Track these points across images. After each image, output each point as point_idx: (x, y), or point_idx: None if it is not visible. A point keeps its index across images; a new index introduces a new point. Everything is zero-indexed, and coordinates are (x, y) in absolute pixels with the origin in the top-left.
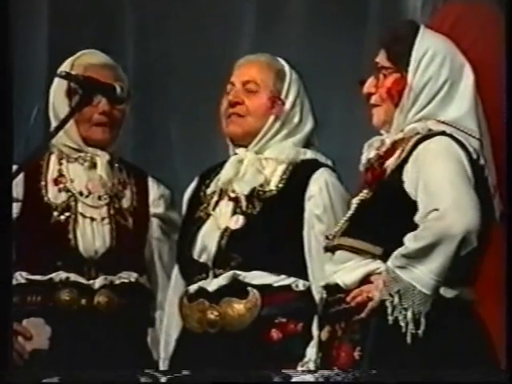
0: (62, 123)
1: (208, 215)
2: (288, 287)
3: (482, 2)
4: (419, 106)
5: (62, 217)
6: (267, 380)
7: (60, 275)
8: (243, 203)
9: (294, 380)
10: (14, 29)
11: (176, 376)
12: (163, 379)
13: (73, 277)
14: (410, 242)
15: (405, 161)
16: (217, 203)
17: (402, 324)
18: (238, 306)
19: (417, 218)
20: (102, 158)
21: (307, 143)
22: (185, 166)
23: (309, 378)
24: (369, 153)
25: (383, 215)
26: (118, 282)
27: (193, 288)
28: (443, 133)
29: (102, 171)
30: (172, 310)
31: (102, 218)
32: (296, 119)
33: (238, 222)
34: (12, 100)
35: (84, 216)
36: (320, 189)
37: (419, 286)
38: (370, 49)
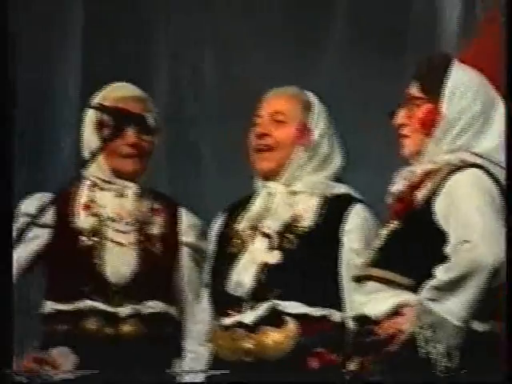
0: (95, 154)
1: (240, 251)
2: (325, 317)
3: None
4: (452, 136)
5: (90, 241)
6: None
7: (86, 304)
8: (276, 239)
9: None
10: (49, 57)
11: None
12: None
13: (99, 305)
14: (442, 274)
15: (436, 192)
16: (251, 239)
17: (434, 357)
18: (275, 335)
19: (448, 250)
20: (131, 190)
21: (337, 177)
22: (216, 198)
23: None
24: (400, 183)
25: (413, 246)
26: (145, 311)
27: (227, 321)
28: (475, 165)
29: (131, 201)
30: (197, 341)
31: (130, 244)
32: (325, 151)
33: (275, 257)
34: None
35: (112, 241)
36: (359, 224)
37: (451, 318)
38: (405, 81)
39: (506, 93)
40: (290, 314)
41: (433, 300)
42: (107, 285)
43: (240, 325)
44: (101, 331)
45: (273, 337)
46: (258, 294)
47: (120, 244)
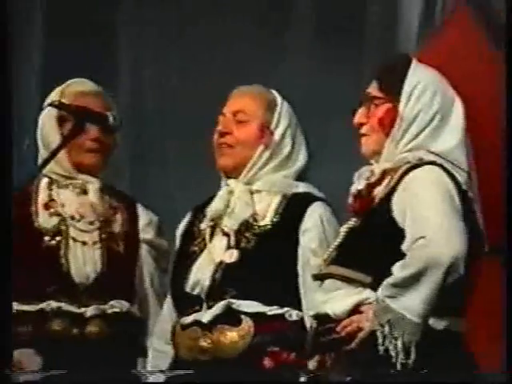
0: (55, 151)
1: (202, 249)
2: (281, 316)
3: (474, 32)
4: (410, 136)
5: (53, 241)
6: None
7: (51, 305)
8: (233, 238)
9: None
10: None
11: None
12: None
13: (64, 306)
14: (398, 270)
15: (394, 189)
16: (211, 237)
17: (393, 354)
18: (231, 334)
19: (404, 247)
20: (93, 185)
21: (300, 176)
22: (181, 197)
23: None
24: (359, 182)
25: (372, 244)
26: (110, 311)
27: (186, 320)
28: (433, 162)
29: (94, 197)
30: (161, 340)
31: (94, 243)
32: (286, 150)
33: (232, 255)
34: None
35: (75, 240)
36: (315, 223)
37: (409, 314)
38: (365, 80)
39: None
40: (245, 313)
41: (390, 297)
42: (72, 285)
43: (197, 323)
44: (66, 332)
45: (229, 335)
46: (215, 292)
47: (84, 243)
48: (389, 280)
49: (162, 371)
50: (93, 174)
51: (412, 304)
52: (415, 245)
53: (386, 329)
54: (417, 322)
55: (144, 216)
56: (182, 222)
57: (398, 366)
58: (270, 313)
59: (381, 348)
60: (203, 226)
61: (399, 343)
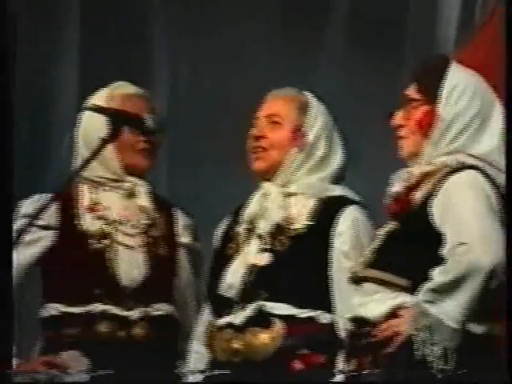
0: (94, 154)
1: (237, 252)
2: (313, 319)
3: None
4: (449, 138)
5: (100, 245)
6: None
7: (97, 307)
8: (266, 240)
9: None
10: (47, 57)
11: None
12: None
13: (110, 309)
14: (438, 276)
15: (433, 194)
16: (246, 240)
17: (431, 359)
18: (263, 336)
19: (444, 252)
20: (142, 188)
21: (336, 179)
22: (218, 200)
23: None
24: (397, 185)
25: (410, 247)
26: (154, 314)
27: (220, 322)
28: (472, 167)
29: (143, 201)
30: (199, 341)
31: (139, 246)
32: (321, 152)
33: (264, 258)
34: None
35: (122, 244)
36: (348, 226)
37: (448, 320)
38: (403, 82)
39: (505, 94)
40: (277, 316)
41: (430, 302)
42: (118, 288)
43: (230, 325)
44: (112, 334)
45: (260, 337)
46: (247, 295)
47: (129, 247)
48: (428, 285)
49: (201, 371)
50: (141, 177)
51: (451, 310)
52: (456, 251)
53: (424, 334)
54: (456, 327)
55: (181, 220)
56: (221, 225)
57: (436, 371)
58: (301, 315)
59: (418, 353)
60: (239, 228)
61: (437, 349)
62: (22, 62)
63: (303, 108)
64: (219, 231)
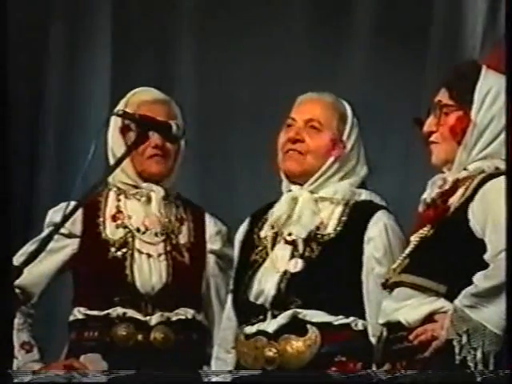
0: (119, 161)
1: (264, 258)
2: (348, 326)
3: None
4: (483, 143)
5: (119, 253)
6: None
7: (117, 311)
8: (301, 247)
9: None
10: (76, 65)
11: None
12: None
13: (130, 312)
14: (480, 281)
15: (470, 199)
16: (273, 246)
17: (471, 364)
18: (297, 344)
19: (487, 257)
20: (156, 194)
21: (362, 185)
22: (244, 203)
23: None
24: (432, 190)
25: (446, 253)
26: (174, 318)
27: (250, 329)
28: None
29: (157, 207)
30: (221, 348)
31: (159, 255)
32: (353, 162)
33: (297, 265)
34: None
35: (141, 252)
36: (380, 232)
37: (490, 325)
38: (429, 89)
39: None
40: (311, 323)
41: (470, 307)
42: (138, 295)
43: (262, 333)
44: (131, 338)
45: (295, 345)
46: (280, 302)
47: (149, 255)
48: (469, 290)
49: (229, 371)
50: (157, 183)
51: (493, 315)
52: (499, 256)
53: (464, 338)
54: (497, 333)
55: (212, 226)
56: (241, 229)
57: (478, 377)
58: (336, 322)
59: (458, 357)
60: (263, 233)
61: (478, 353)
62: (49, 64)
63: (342, 117)
64: (238, 236)
